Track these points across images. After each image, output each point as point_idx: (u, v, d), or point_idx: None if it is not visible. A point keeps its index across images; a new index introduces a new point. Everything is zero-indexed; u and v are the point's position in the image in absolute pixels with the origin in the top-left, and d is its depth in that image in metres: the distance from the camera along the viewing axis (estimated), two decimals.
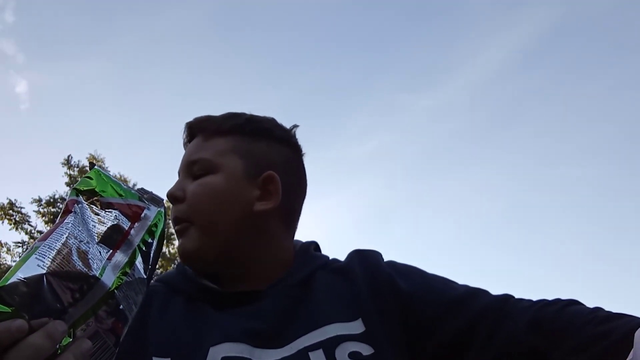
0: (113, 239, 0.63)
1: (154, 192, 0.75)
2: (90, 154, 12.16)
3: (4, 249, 11.71)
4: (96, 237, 0.62)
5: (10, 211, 11.65)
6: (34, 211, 11.84)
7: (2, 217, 11.59)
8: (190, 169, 0.93)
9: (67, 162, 12.07)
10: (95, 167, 0.69)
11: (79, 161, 12.16)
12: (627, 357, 0.61)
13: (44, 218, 11.75)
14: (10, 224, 11.62)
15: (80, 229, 0.61)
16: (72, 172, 12.07)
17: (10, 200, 11.66)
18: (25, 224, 11.70)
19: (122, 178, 11.68)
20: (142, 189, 0.70)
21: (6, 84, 16.16)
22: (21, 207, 11.76)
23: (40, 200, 11.83)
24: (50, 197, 11.90)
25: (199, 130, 0.97)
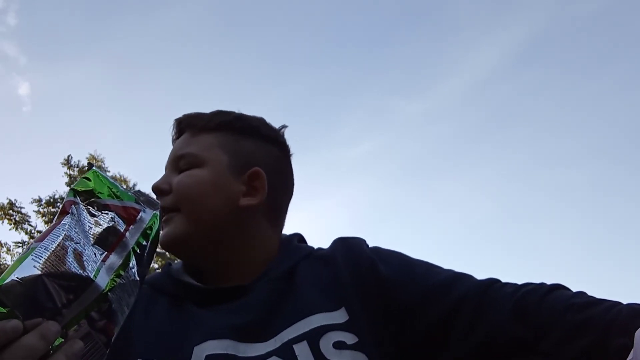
0: (108, 240, 0.63)
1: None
2: (90, 154, 12.18)
3: (4, 249, 11.72)
4: (92, 239, 0.62)
5: (10, 211, 11.65)
6: (34, 211, 11.88)
7: (2, 217, 11.60)
8: (177, 163, 0.94)
9: (67, 162, 12.08)
10: (94, 168, 0.70)
11: (79, 161, 12.17)
12: (626, 357, 0.61)
13: (44, 218, 11.75)
14: (10, 224, 11.64)
15: (76, 230, 0.62)
16: (72, 172, 12.07)
17: (10, 200, 11.68)
18: (25, 224, 11.71)
19: (122, 178, 11.70)
20: (138, 191, 0.70)
21: (8, 86, 16.22)
22: (21, 207, 11.78)
23: (40, 200, 11.84)
24: (50, 197, 11.90)
25: (187, 126, 0.98)
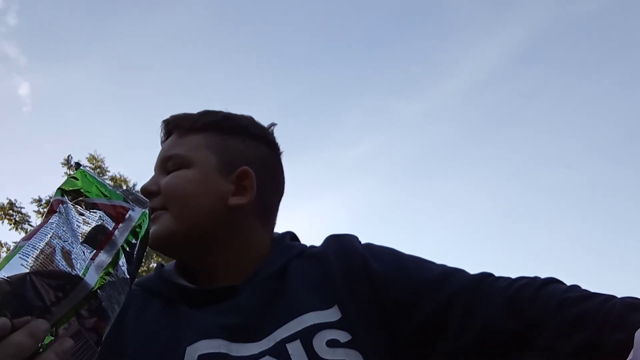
0: (97, 239, 0.63)
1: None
2: (90, 154, 12.17)
3: (4, 249, 11.71)
4: (80, 237, 0.62)
5: (10, 211, 11.64)
6: (34, 211, 11.83)
7: (2, 217, 11.58)
8: (165, 165, 0.94)
9: (67, 162, 12.06)
10: (81, 167, 0.70)
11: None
12: (623, 354, 0.61)
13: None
14: (10, 224, 11.61)
15: (64, 228, 0.62)
16: (72, 172, 12.05)
17: (10, 200, 11.65)
18: (25, 224, 11.68)
19: (122, 178, 11.71)
20: (127, 190, 0.71)
21: (9, 86, 16.27)
22: (21, 207, 11.75)
23: (40, 200, 11.82)
24: (50, 197, 11.89)
25: (175, 127, 0.97)
